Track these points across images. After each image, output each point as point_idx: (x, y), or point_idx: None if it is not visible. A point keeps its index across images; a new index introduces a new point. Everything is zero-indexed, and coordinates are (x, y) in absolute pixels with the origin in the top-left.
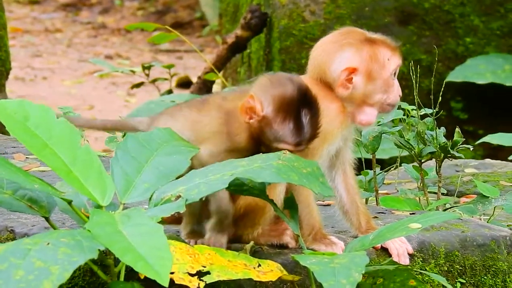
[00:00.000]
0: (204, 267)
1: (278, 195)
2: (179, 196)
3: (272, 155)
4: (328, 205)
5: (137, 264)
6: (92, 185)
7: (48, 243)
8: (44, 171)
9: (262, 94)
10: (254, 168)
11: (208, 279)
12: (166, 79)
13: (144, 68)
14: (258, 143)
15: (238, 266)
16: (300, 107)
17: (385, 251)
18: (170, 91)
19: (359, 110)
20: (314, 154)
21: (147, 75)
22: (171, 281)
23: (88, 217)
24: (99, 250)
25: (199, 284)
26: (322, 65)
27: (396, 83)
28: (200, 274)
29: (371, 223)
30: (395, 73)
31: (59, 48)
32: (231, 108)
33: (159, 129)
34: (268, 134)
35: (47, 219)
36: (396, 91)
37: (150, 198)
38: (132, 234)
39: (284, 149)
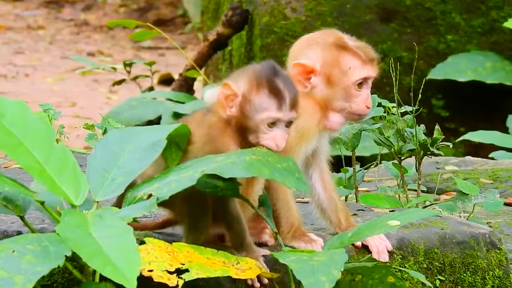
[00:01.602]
0: (183, 264)
1: (256, 193)
2: (151, 195)
3: (247, 151)
4: (308, 202)
5: (105, 268)
6: (65, 184)
7: (14, 251)
8: None
9: (236, 78)
10: (227, 163)
11: (187, 276)
12: (147, 76)
13: (125, 65)
14: (244, 141)
15: (217, 263)
16: (272, 76)
17: (364, 248)
18: (151, 88)
19: (325, 114)
20: (291, 153)
21: (129, 72)
22: (150, 279)
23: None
24: (66, 256)
25: (177, 281)
26: (292, 61)
27: (362, 94)
28: (179, 272)
29: (350, 220)
30: (360, 84)
31: (42, 45)
32: (209, 119)
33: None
34: (249, 111)
35: (22, 218)
36: (361, 101)
37: (123, 196)
38: (102, 236)
39: (270, 119)
